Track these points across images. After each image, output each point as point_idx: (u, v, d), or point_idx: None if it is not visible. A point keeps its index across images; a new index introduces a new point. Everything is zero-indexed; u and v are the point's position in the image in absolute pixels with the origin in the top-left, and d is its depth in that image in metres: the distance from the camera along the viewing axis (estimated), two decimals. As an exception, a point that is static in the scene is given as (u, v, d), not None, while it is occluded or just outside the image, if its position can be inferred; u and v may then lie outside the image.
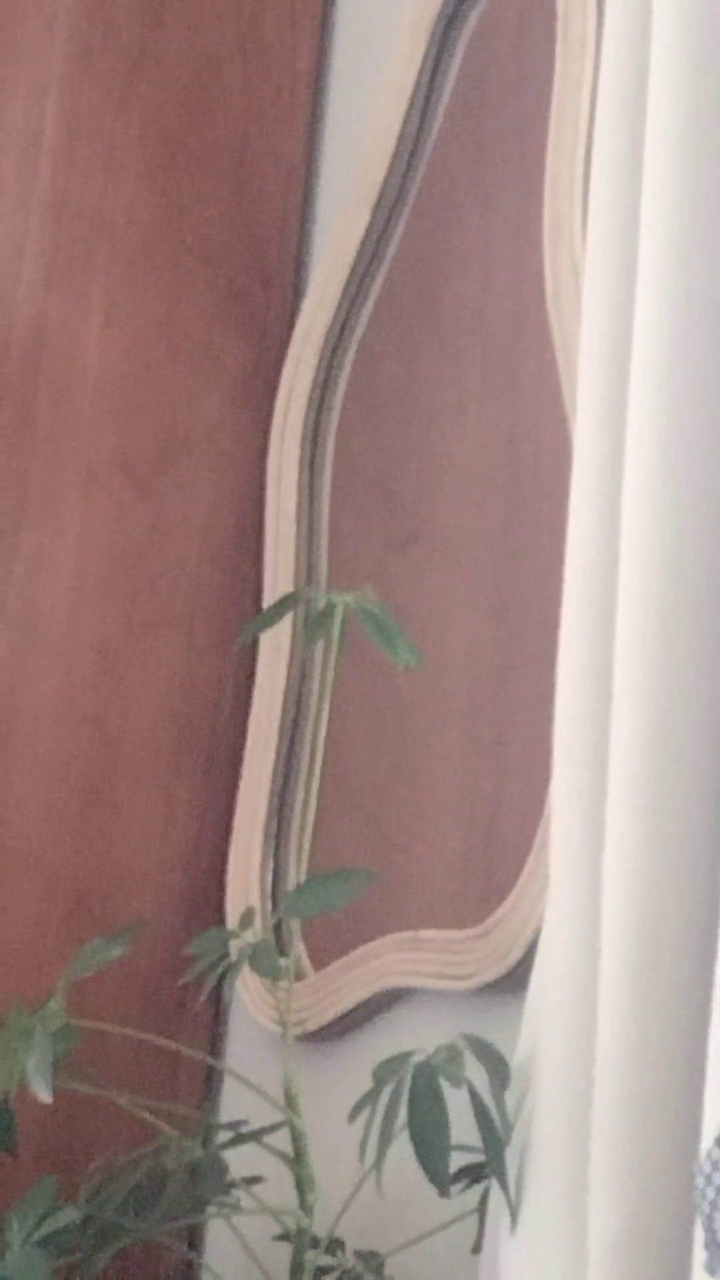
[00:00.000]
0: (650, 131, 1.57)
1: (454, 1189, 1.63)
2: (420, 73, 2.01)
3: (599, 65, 1.69)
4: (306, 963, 1.96)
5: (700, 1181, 1.20)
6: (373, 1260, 1.78)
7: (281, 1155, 1.78)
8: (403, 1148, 1.60)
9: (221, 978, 1.80)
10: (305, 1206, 1.77)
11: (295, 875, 1.94)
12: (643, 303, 1.57)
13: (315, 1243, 1.77)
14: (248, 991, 1.98)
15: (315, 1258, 1.77)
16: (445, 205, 2.02)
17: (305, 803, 1.96)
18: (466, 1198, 1.67)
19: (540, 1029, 1.59)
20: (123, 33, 2.06)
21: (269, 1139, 1.78)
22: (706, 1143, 1.32)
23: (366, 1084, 1.63)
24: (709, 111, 1.55)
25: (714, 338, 1.55)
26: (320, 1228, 1.77)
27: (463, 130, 2.01)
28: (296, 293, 2.12)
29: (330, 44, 2.16)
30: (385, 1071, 1.62)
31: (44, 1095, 1.66)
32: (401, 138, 2.02)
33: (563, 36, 1.85)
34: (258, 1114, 1.80)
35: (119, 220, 2.05)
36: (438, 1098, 1.60)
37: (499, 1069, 1.61)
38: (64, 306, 2.02)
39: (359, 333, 2.07)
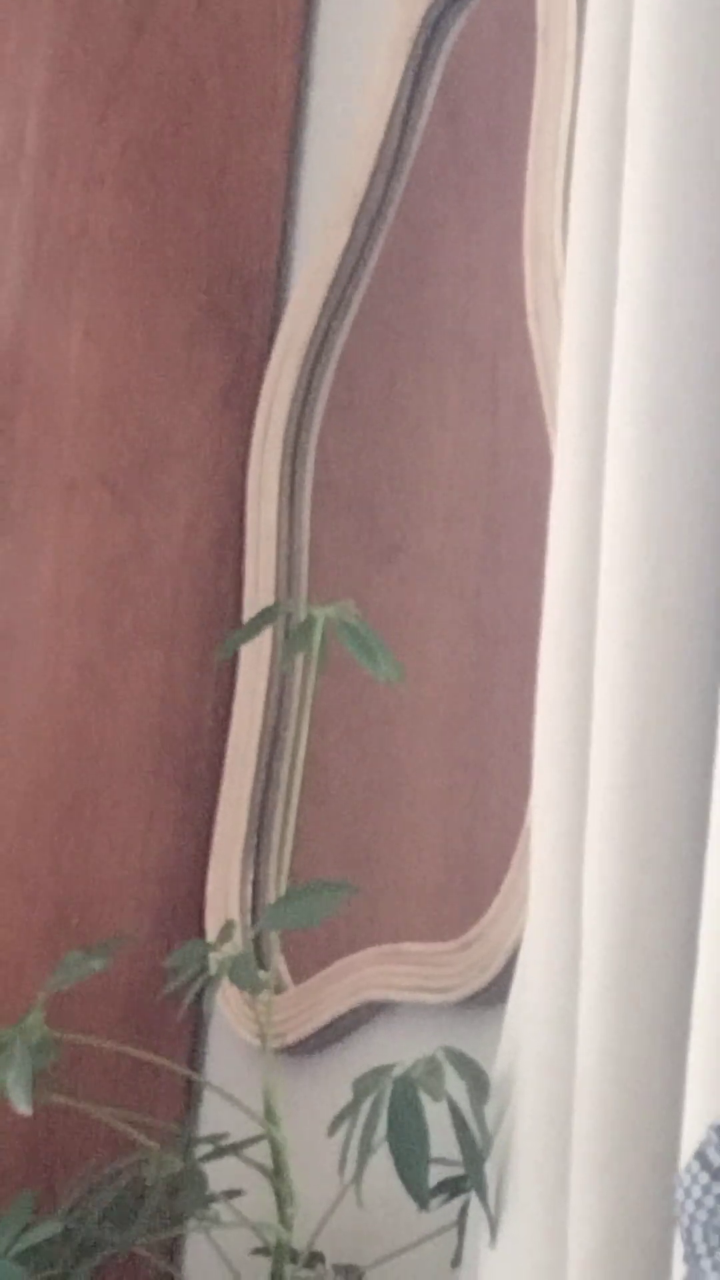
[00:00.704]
0: (630, 146, 1.58)
1: (433, 1202, 1.63)
2: (401, 86, 2.01)
3: (579, 80, 1.70)
4: (286, 975, 1.96)
5: (680, 1195, 1.20)
6: (352, 1274, 1.78)
7: (261, 1168, 1.78)
8: (382, 1161, 1.60)
9: (201, 990, 1.80)
10: (285, 1220, 1.77)
11: (275, 888, 1.94)
12: (622, 318, 1.57)
13: (294, 1256, 1.77)
14: (227, 1004, 1.98)
15: (295, 1271, 1.77)
16: (426, 219, 2.02)
17: (285, 816, 1.96)
18: (446, 1211, 1.67)
19: (520, 1042, 1.60)
20: (104, 46, 2.06)
21: (249, 1152, 1.78)
22: (686, 1156, 1.32)
23: (346, 1097, 1.63)
24: (688, 127, 1.56)
25: (693, 352, 1.56)
26: (300, 1241, 1.77)
27: (444, 144, 2.02)
28: (277, 306, 2.13)
29: (311, 57, 2.17)
30: (365, 1084, 1.62)
31: (23, 1108, 1.66)
32: (382, 151, 2.02)
33: (543, 51, 1.86)
34: (237, 1127, 1.80)
35: (99, 233, 2.05)
36: (417, 1111, 1.60)
37: (479, 1082, 1.61)
38: (44, 319, 2.02)
39: (340, 346, 2.07)
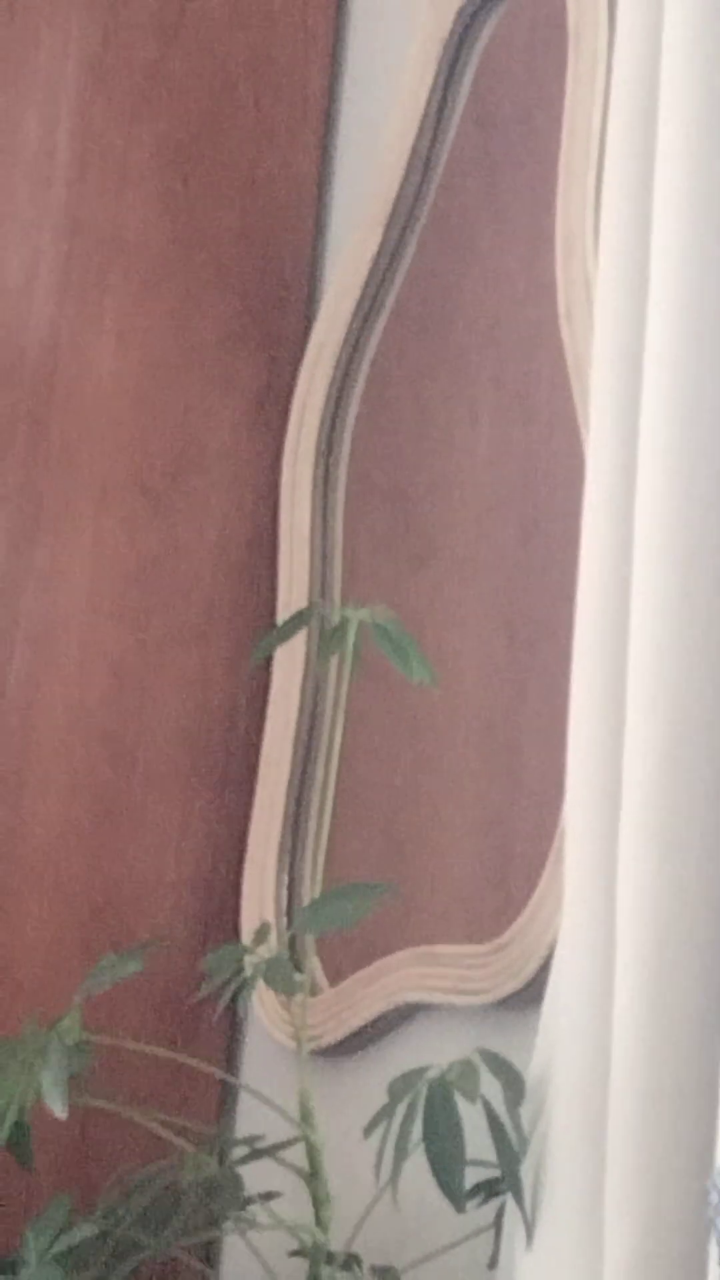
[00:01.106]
0: (662, 147, 1.58)
1: (469, 1204, 1.63)
2: (432, 90, 2.01)
3: (610, 82, 1.70)
4: (321, 978, 1.96)
5: (715, 1197, 1.20)
6: (389, 1275, 1.78)
7: (297, 1170, 1.78)
8: (418, 1163, 1.60)
9: (236, 993, 1.80)
10: (321, 1222, 1.77)
11: (310, 890, 1.94)
12: (654, 318, 1.57)
13: (331, 1258, 1.77)
14: (263, 1007, 1.98)
15: (331, 1273, 1.76)
16: (458, 222, 2.02)
17: (320, 818, 1.96)
18: (482, 1213, 1.67)
19: (555, 1044, 1.59)
20: (136, 52, 2.07)
21: (285, 1154, 1.78)
22: (721, 1158, 1.32)
23: (382, 1099, 1.63)
24: (720, 128, 1.56)
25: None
26: (336, 1243, 1.77)
27: (475, 147, 2.02)
28: (309, 310, 2.13)
29: (343, 62, 2.17)
30: (400, 1087, 1.62)
31: (59, 1111, 1.66)
32: (414, 155, 2.02)
33: (574, 53, 1.85)
34: (273, 1129, 1.81)
35: (132, 238, 2.05)
36: (453, 1113, 1.60)
37: (514, 1084, 1.61)
38: (77, 324, 2.03)
39: (372, 350, 2.07)
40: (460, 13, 1.99)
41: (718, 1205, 1.21)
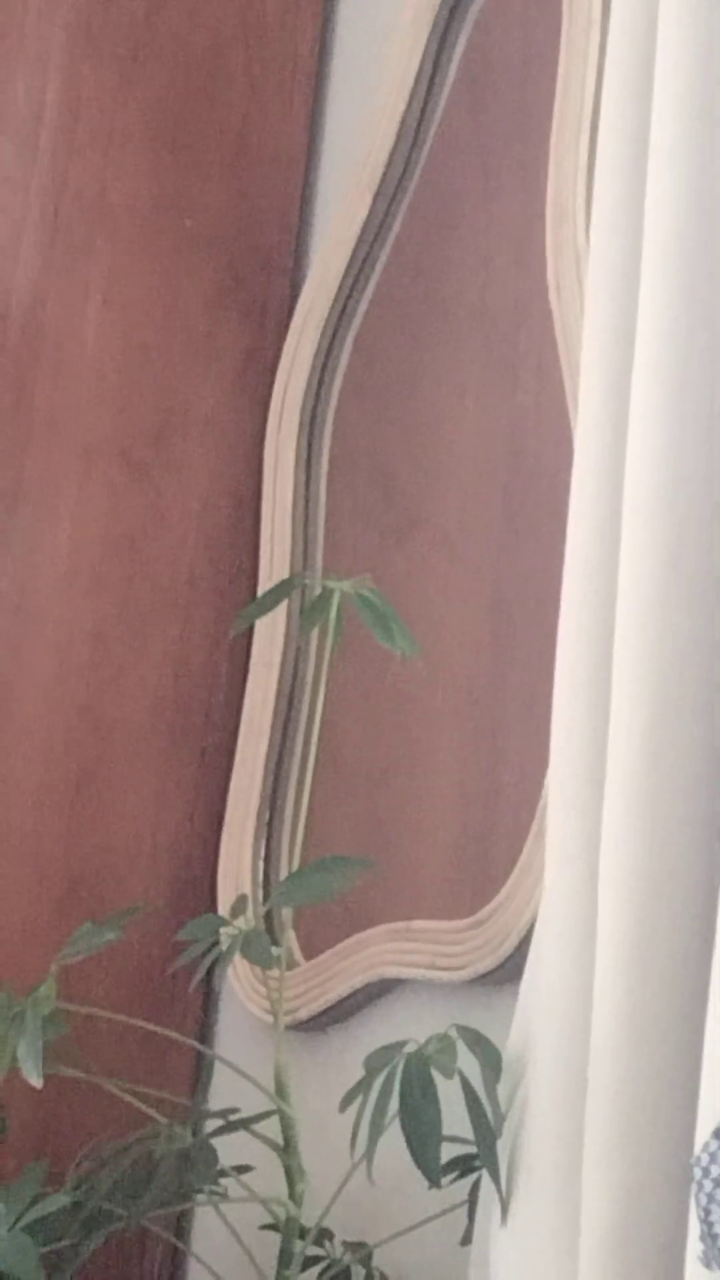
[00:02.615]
0: (656, 117, 1.56)
1: (445, 1180, 1.62)
2: (423, 57, 2.00)
3: (604, 49, 1.68)
4: (298, 951, 1.95)
5: (698, 1173, 1.19)
6: (361, 1250, 1.78)
7: (271, 1144, 1.77)
8: (393, 1138, 1.59)
9: (213, 965, 1.79)
10: (294, 1196, 1.76)
11: (288, 863, 1.94)
12: (646, 291, 1.56)
13: (304, 1232, 1.76)
14: (239, 979, 1.97)
15: (303, 1247, 1.76)
16: (447, 191, 2.01)
17: (299, 790, 1.95)
18: (457, 1189, 1.66)
19: (534, 1020, 1.59)
20: (125, 14, 2.05)
21: (259, 1127, 1.77)
22: (702, 1135, 1.31)
23: (358, 1073, 1.62)
24: (716, 97, 1.54)
25: (717, 327, 1.54)
26: (309, 1217, 1.76)
27: (466, 115, 2.00)
28: (296, 278, 2.12)
29: (332, 27, 2.16)
30: (377, 1061, 1.61)
31: (35, 1080, 1.65)
32: (404, 122, 2.01)
33: (568, 20, 1.84)
34: (248, 1102, 1.80)
35: (118, 203, 2.04)
36: (429, 1088, 1.59)
37: (491, 1060, 1.61)
38: (62, 289, 2.01)
39: (359, 319, 2.06)
40: (453, -20, 1.98)
41: (700, 1180, 1.20)
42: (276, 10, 2.12)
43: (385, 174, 2.02)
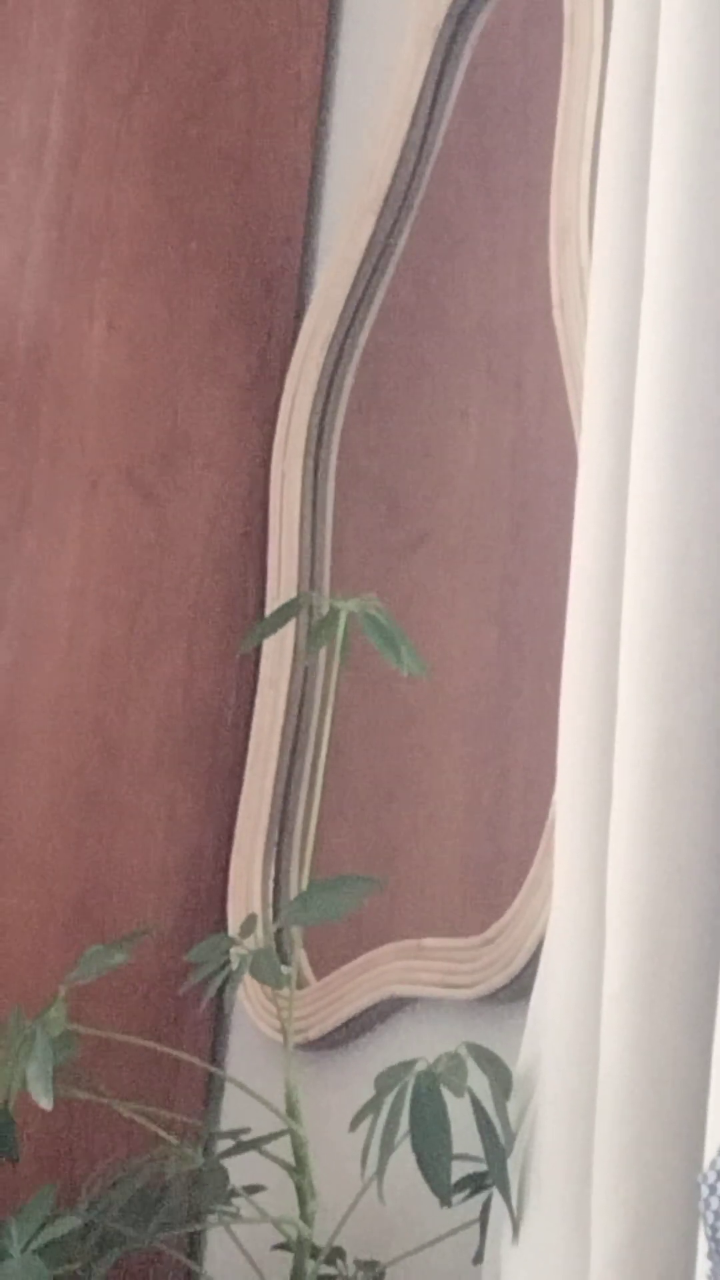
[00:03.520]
0: (658, 136, 1.57)
1: (456, 1198, 1.62)
2: (426, 77, 2.00)
3: (606, 70, 1.69)
4: (308, 970, 1.95)
5: (705, 1191, 1.19)
6: (373, 1270, 1.77)
7: (282, 1164, 1.77)
8: (404, 1157, 1.59)
9: (223, 985, 1.79)
10: (306, 1215, 1.76)
11: (297, 882, 1.94)
12: (649, 308, 1.56)
13: (315, 1252, 1.76)
14: (249, 999, 1.97)
15: (315, 1267, 1.76)
16: (451, 211, 2.01)
17: (308, 809, 1.95)
18: (468, 1207, 1.66)
19: (543, 1038, 1.59)
20: (128, 38, 2.06)
21: (270, 1147, 1.77)
22: (710, 1152, 1.31)
23: (368, 1093, 1.62)
24: (717, 113, 1.55)
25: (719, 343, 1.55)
26: (321, 1237, 1.76)
27: (468, 135, 2.01)
28: (301, 298, 2.12)
29: (335, 49, 2.16)
30: (387, 1080, 1.61)
31: (45, 1102, 1.66)
32: (407, 143, 2.02)
33: (569, 41, 1.85)
34: (259, 1122, 1.80)
35: (123, 225, 2.04)
36: (440, 1106, 1.59)
37: (501, 1078, 1.61)
38: (67, 311, 2.02)
39: (363, 338, 2.06)
40: (455, 1, 1.98)
41: (707, 1198, 1.20)
42: (279, 31, 2.13)
43: (389, 193, 2.03)
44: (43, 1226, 1.66)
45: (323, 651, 1.96)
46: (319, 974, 1.94)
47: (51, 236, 2.01)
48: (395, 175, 2.03)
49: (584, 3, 1.83)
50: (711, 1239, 1.19)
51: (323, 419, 2.06)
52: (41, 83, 2.02)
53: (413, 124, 2.02)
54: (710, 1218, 1.19)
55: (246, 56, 2.11)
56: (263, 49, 2.12)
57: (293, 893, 1.97)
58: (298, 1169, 1.77)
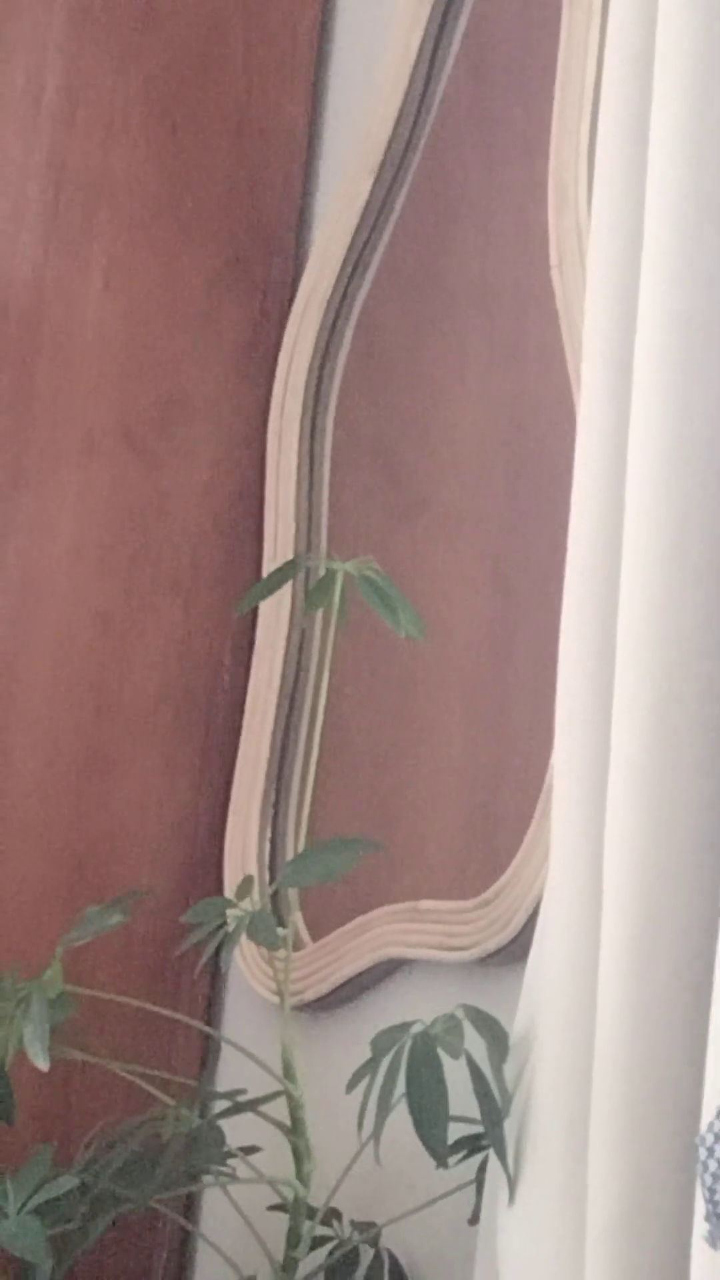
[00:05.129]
0: (657, 96, 1.56)
1: (452, 1160, 1.62)
2: (424, 37, 1.99)
3: (605, 30, 1.68)
4: (304, 933, 1.95)
5: (703, 1153, 1.19)
6: (369, 1230, 1.78)
7: (279, 1125, 1.77)
8: (400, 1118, 1.59)
9: (219, 947, 1.80)
10: (302, 1176, 1.77)
11: (294, 844, 1.94)
12: (648, 269, 1.55)
13: (311, 1213, 1.76)
14: (245, 961, 1.98)
15: (311, 1228, 1.76)
16: (449, 171, 2.00)
17: (305, 771, 1.95)
18: (464, 1168, 1.66)
19: (540, 1000, 1.59)
20: (125, -5, 2.05)
21: (266, 1109, 1.78)
22: (708, 1115, 1.31)
23: (365, 1054, 1.62)
24: (717, 74, 1.54)
25: (719, 303, 1.54)
26: (317, 1198, 1.77)
27: (467, 95, 2.00)
28: (298, 259, 2.11)
29: (334, 8, 2.15)
30: (384, 1042, 1.62)
31: (41, 1063, 1.66)
32: (405, 102, 2.01)
33: (569, 1, 1.84)
34: (255, 1084, 1.80)
35: (119, 184, 2.04)
36: (436, 1068, 1.59)
37: (498, 1040, 1.61)
38: (63, 270, 2.01)
39: (361, 299, 2.05)
40: (454, -41, 1.98)
41: (704, 1160, 1.20)
42: (277, -11, 2.12)
43: (387, 153, 2.02)
44: (39, 1187, 1.67)
45: (320, 614, 1.95)
46: (316, 936, 1.94)
47: (47, 195, 2.01)
48: (393, 135, 2.02)
49: (584, -39, 1.83)
50: (710, 1200, 1.20)
51: (320, 380, 2.06)
52: (37, 39, 2.01)
53: (411, 83, 2.01)
54: (708, 1179, 1.20)
55: (244, 13, 2.10)
56: (261, 7, 2.11)
57: (289, 854, 1.97)
58: (294, 1130, 1.77)
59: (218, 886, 2.01)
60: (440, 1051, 1.59)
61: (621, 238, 1.60)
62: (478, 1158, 1.66)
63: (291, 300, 2.08)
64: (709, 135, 1.54)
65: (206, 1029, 1.99)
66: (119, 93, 2.04)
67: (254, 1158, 1.78)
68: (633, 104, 1.60)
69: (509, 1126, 1.58)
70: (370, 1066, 1.61)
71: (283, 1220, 1.77)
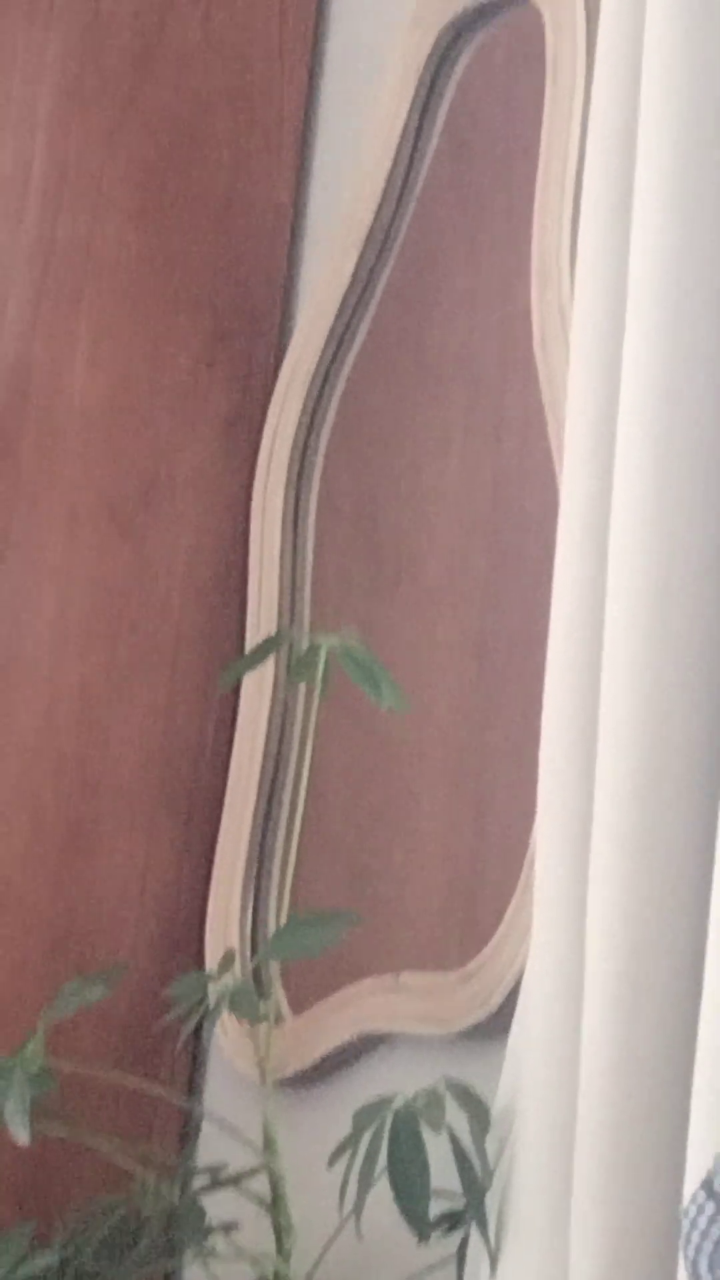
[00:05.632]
0: (639, 176, 1.58)
1: (434, 1234, 1.62)
2: (408, 116, 2.01)
3: (588, 109, 1.70)
4: (286, 1006, 1.95)
5: (685, 1225, 1.19)
6: (351, 1307, 1.77)
7: (259, 1200, 1.77)
8: (382, 1193, 1.59)
9: (200, 1021, 1.79)
10: (283, 1252, 1.76)
11: (276, 917, 1.93)
12: (630, 347, 1.57)
13: (293, 1289, 1.75)
14: (227, 1035, 1.97)
15: (293, 1304, 1.75)
16: (432, 249, 2.02)
17: (286, 845, 1.95)
18: (446, 1243, 1.65)
19: (522, 1074, 1.59)
20: (112, 74, 2.07)
21: (247, 1184, 1.77)
22: (691, 1186, 1.31)
23: (346, 1129, 1.62)
24: (698, 158, 1.56)
25: (701, 382, 1.56)
26: (298, 1274, 1.76)
27: (450, 174, 2.02)
28: (283, 335, 2.12)
29: (318, 89, 2.17)
30: (365, 1116, 1.61)
31: (22, 1138, 1.65)
32: (389, 181, 2.02)
33: (552, 82, 1.86)
34: (236, 1158, 1.79)
35: (106, 261, 2.05)
36: (418, 1142, 1.59)
37: (480, 1114, 1.60)
38: (49, 346, 2.02)
39: (345, 374, 2.07)
40: (437, 40, 1.99)
41: (688, 1232, 1.20)
42: (262, 70, 2.14)
43: (370, 232, 2.03)
44: (19, 1263, 1.66)
45: (302, 687, 1.96)
46: (297, 1009, 1.94)
47: (34, 271, 2.02)
48: (377, 213, 2.03)
49: (566, 44, 1.85)
50: (692, 1272, 1.19)
51: (304, 454, 2.07)
52: (25, 119, 2.03)
53: (395, 163, 2.03)
54: (691, 1252, 1.19)
55: (229, 95, 2.12)
56: (246, 88, 2.13)
57: (271, 928, 1.96)
58: (275, 1205, 1.76)
59: (199, 959, 2.00)
60: (422, 1125, 1.59)
61: (604, 315, 1.62)
62: (459, 1232, 1.65)
63: (276, 375, 2.09)
64: (690, 215, 1.56)
65: (187, 1103, 1.99)
66: (106, 171, 2.06)
67: (235, 1233, 1.77)
68: (615, 183, 1.62)
69: (491, 1200, 1.57)
70: (352, 1141, 1.61)
71: (263, 1297, 1.76)
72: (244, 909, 2.00)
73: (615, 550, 1.56)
